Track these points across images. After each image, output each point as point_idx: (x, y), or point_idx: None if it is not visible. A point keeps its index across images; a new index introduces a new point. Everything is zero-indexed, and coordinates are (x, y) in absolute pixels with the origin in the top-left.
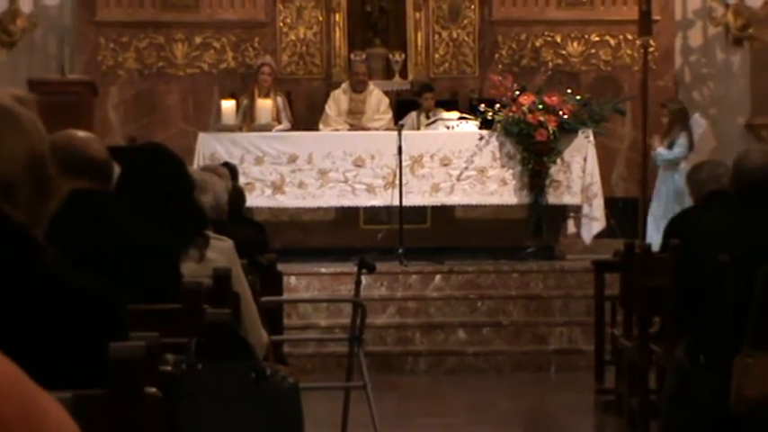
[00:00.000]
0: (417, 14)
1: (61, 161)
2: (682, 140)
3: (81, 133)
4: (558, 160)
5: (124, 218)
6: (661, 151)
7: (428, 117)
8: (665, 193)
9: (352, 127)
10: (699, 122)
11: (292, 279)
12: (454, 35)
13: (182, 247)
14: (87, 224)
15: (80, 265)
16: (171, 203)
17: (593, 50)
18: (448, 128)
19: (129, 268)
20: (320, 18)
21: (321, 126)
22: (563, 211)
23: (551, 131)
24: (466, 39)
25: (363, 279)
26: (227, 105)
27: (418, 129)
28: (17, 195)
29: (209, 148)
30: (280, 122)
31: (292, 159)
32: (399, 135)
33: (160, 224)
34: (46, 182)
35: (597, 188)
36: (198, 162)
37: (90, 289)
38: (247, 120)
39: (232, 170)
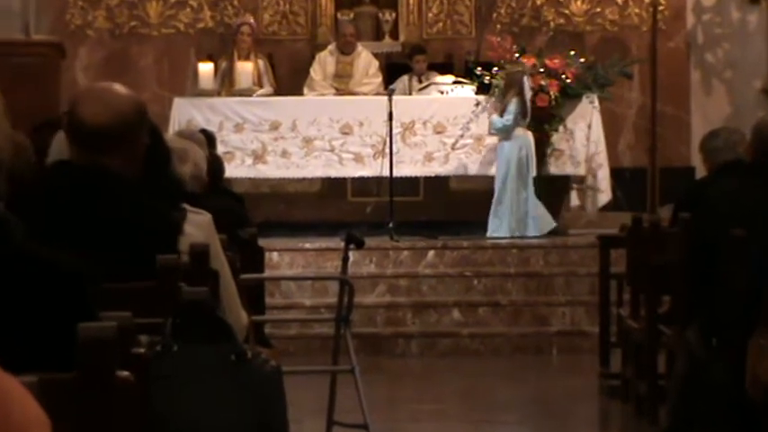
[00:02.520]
0: None
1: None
2: (512, 107)
3: (96, 90)
4: (561, 128)
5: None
6: (494, 119)
7: (420, 81)
8: (500, 165)
9: (339, 92)
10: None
11: (275, 255)
12: None
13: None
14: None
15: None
16: (146, 173)
17: (598, 9)
18: (442, 93)
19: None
20: None
21: (306, 91)
22: (566, 183)
23: (553, 97)
24: None
25: (351, 255)
26: (205, 68)
27: (410, 94)
28: None
29: (186, 115)
30: (261, 87)
31: (275, 126)
32: (390, 100)
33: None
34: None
35: (602, 158)
36: (173, 130)
37: (54, 264)
38: (226, 84)
39: (210, 138)
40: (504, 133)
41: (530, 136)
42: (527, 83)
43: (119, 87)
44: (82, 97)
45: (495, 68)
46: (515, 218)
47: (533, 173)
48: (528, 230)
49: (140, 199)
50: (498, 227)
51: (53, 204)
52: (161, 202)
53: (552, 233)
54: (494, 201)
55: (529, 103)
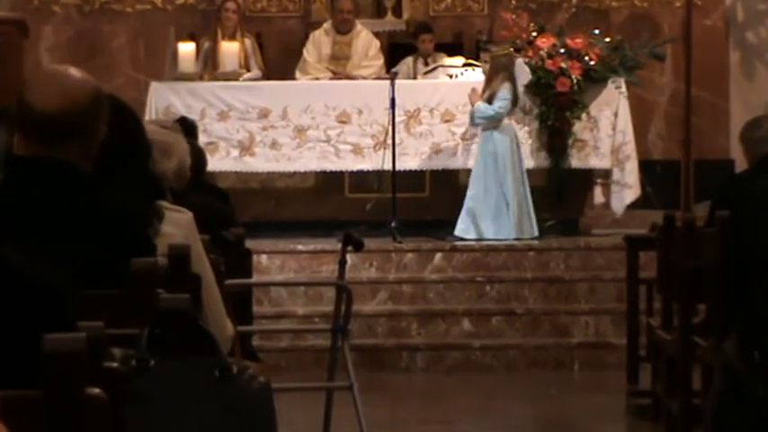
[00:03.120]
0: None
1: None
2: (504, 93)
3: (47, 74)
4: (584, 116)
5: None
6: (480, 106)
7: (426, 64)
8: (483, 159)
9: (336, 75)
10: (523, 69)
11: (263, 258)
12: None
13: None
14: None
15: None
16: (125, 169)
17: None
18: (450, 76)
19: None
20: None
21: (298, 74)
22: (589, 177)
23: (575, 81)
24: None
25: (349, 258)
26: (185, 49)
27: (415, 77)
28: None
29: (164, 101)
30: (248, 70)
31: (263, 114)
32: (392, 85)
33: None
34: None
35: (630, 149)
36: (150, 117)
37: (24, 275)
38: (209, 67)
39: (190, 127)
40: (496, 122)
41: (515, 125)
42: (524, 67)
43: (73, 71)
44: (31, 82)
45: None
46: (517, 218)
47: (525, 165)
48: (526, 232)
49: (98, 195)
50: (499, 229)
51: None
52: (133, 199)
53: (573, 233)
54: (471, 197)
55: (521, 89)
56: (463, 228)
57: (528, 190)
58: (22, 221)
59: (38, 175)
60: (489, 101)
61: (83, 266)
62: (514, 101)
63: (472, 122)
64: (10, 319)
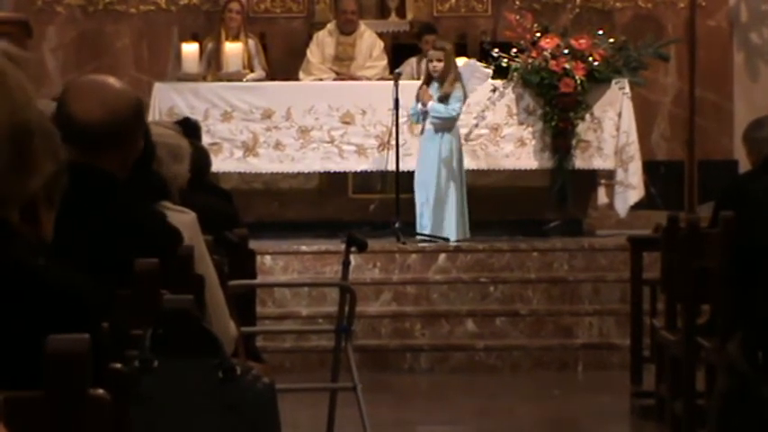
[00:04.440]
0: None
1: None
2: (458, 93)
3: (89, 84)
4: (587, 116)
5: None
6: (437, 106)
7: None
8: (430, 159)
9: (340, 76)
10: (476, 69)
11: (267, 259)
12: None
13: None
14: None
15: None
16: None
17: None
18: None
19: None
20: None
21: (302, 75)
22: (593, 178)
23: (579, 81)
24: None
25: (352, 259)
26: (189, 50)
27: (418, 78)
28: None
29: (167, 102)
30: (252, 70)
31: (267, 115)
32: (396, 86)
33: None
34: (29, 155)
35: (634, 150)
36: (153, 119)
37: (64, 288)
38: (213, 67)
39: (193, 127)
40: (451, 123)
41: (458, 126)
42: (474, 66)
43: (113, 81)
44: (73, 92)
45: (514, 50)
46: (456, 218)
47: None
48: (460, 233)
49: (136, 205)
50: (439, 229)
51: None
52: (145, 203)
53: (577, 234)
54: (432, 198)
55: (470, 89)
56: (424, 225)
57: (465, 191)
58: (58, 227)
59: (76, 182)
60: (442, 100)
61: (114, 274)
62: (464, 101)
63: (417, 121)
64: (30, 326)
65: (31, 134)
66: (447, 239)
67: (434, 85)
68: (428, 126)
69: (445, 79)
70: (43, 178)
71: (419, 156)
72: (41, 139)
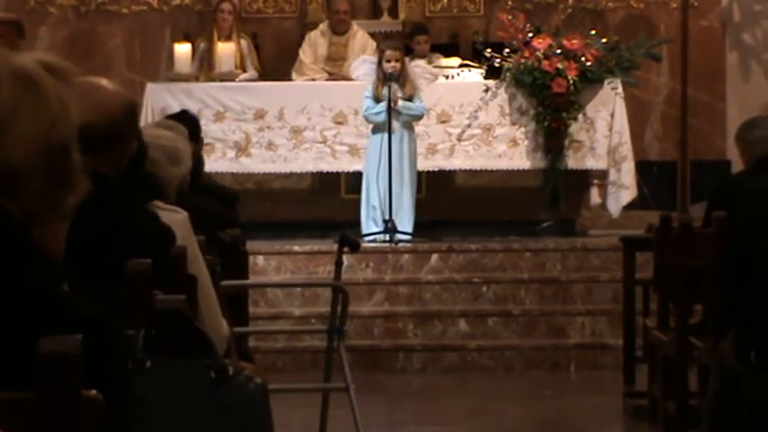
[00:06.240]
0: None
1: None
2: (419, 92)
3: (82, 85)
4: (580, 116)
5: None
6: (410, 104)
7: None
8: (385, 156)
9: (332, 76)
10: (426, 70)
11: (260, 259)
12: None
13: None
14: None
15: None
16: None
17: None
18: (447, 77)
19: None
20: None
21: (294, 75)
22: (585, 178)
23: (571, 81)
24: None
25: (345, 259)
26: (181, 50)
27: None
28: (24, 186)
29: (160, 102)
30: (244, 71)
31: (259, 115)
32: (389, 86)
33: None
34: (66, 173)
35: (627, 150)
36: (146, 119)
37: (80, 317)
38: (205, 67)
39: (192, 120)
40: (418, 120)
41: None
42: (425, 66)
43: (107, 83)
44: None
45: (507, 50)
46: (409, 216)
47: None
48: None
49: (130, 206)
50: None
51: None
52: (138, 203)
53: (570, 234)
54: (373, 196)
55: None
56: (369, 225)
57: (415, 190)
58: None
59: None
60: (407, 101)
61: (106, 274)
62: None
63: (374, 119)
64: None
65: (69, 151)
66: (411, 234)
67: (392, 84)
68: (396, 125)
69: (402, 78)
70: (79, 197)
71: (372, 153)
72: (79, 155)
